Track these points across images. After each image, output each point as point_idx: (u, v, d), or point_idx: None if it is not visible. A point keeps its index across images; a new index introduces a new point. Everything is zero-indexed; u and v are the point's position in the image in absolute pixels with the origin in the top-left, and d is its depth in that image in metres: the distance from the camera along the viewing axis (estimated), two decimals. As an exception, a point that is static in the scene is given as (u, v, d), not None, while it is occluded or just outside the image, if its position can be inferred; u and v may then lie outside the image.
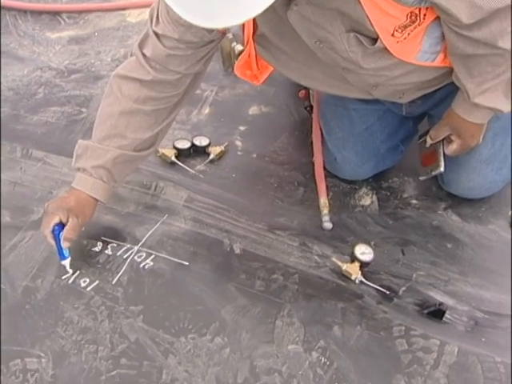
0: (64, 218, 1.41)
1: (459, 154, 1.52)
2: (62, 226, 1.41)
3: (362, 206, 1.70)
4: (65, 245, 1.42)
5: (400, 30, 1.21)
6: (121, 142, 1.44)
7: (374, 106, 1.63)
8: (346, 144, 1.69)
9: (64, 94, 2.12)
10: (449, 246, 1.59)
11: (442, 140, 1.54)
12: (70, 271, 1.47)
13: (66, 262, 1.46)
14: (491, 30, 1.17)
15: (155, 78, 1.39)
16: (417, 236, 1.61)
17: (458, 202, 1.70)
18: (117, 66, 2.10)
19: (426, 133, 1.61)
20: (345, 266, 1.46)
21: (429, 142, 1.57)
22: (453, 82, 1.40)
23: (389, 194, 1.75)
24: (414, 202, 1.72)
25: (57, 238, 1.41)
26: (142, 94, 1.42)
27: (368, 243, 1.56)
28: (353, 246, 1.50)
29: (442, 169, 1.51)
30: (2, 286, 1.47)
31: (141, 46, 1.40)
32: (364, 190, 1.75)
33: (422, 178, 1.61)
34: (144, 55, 1.38)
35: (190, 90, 1.51)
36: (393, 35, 1.21)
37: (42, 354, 1.33)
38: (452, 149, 1.50)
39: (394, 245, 1.59)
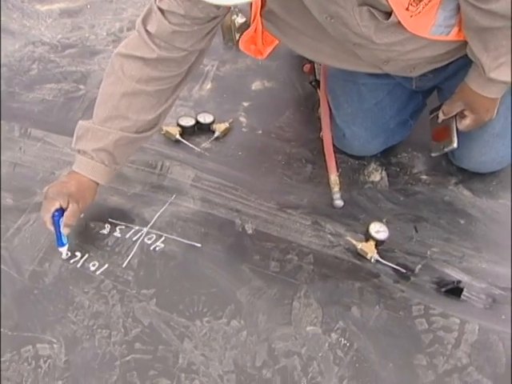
0: (64, 203, 1.38)
1: (472, 130, 1.50)
2: (61, 211, 1.39)
3: (372, 183, 1.69)
4: (65, 231, 1.40)
5: (415, 4, 1.18)
6: (123, 123, 1.41)
7: (383, 80, 1.61)
8: (355, 119, 1.67)
9: (59, 70, 2.07)
10: (461, 221, 1.58)
11: (455, 115, 1.52)
12: (65, 257, 1.47)
13: (64, 249, 1.45)
14: (508, 1, 1.14)
15: (160, 56, 1.36)
16: (429, 212, 1.60)
17: (468, 176, 1.70)
18: (113, 40, 2.09)
19: (438, 108, 1.59)
20: (360, 245, 1.45)
21: (441, 117, 1.55)
22: (465, 56, 1.39)
23: (398, 169, 1.73)
24: (424, 177, 1.71)
25: (56, 224, 1.38)
26: (144, 73, 1.38)
27: (380, 221, 1.54)
28: (367, 225, 1.48)
29: (455, 145, 1.50)
30: (8, 270, 1.43)
31: (144, 22, 1.36)
32: (373, 165, 1.74)
33: (434, 155, 1.60)
34: (148, 32, 1.34)
35: (194, 68, 1.48)
36: (407, 9, 1.19)
37: (54, 340, 1.32)
38: (465, 124, 1.49)
39: (406, 222, 1.58)
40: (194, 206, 1.57)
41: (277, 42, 1.53)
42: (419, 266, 1.45)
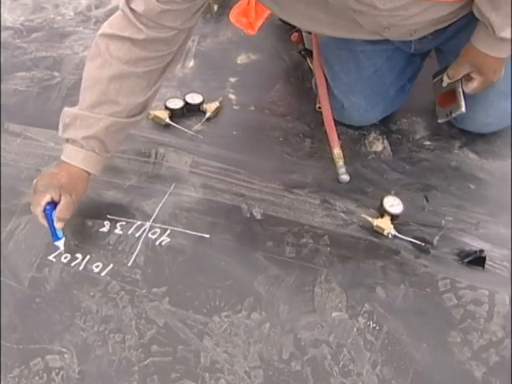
0: (56, 196, 1.32)
1: (480, 92, 1.47)
2: (53, 204, 1.33)
3: (375, 153, 1.65)
4: (58, 225, 1.33)
5: None
6: (113, 108, 1.34)
7: (382, 46, 1.57)
8: (353, 89, 1.63)
9: (29, 56, 1.97)
10: (471, 186, 1.57)
11: (460, 78, 1.48)
12: (63, 250, 1.41)
13: (60, 243, 1.38)
14: None
15: (148, 37, 1.29)
16: (437, 179, 1.58)
17: (472, 138, 1.69)
18: (82, 20, 2.00)
19: (441, 72, 1.55)
20: (376, 222, 1.42)
21: (446, 81, 1.52)
22: (466, 15, 1.34)
23: (400, 136, 1.70)
24: (428, 143, 1.68)
25: (49, 218, 1.32)
26: (133, 54, 1.31)
27: (390, 193, 1.51)
28: (380, 199, 1.45)
29: (463, 109, 1.47)
30: (5, 279, 1.37)
31: (128, 1, 1.28)
32: (373, 135, 1.70)
33: (441, 121, 1.56)
34: (134, 11, 1.27)
35: (183, 46, 1.41)
36: None
37: (64, 350, 1.26)
38: (472, 87, 1.45)
39: (415, 191, 1.55)
40: (196, 194, 1.51)
41: (266, 14, 1.46)
42: (437, 238, 1.43)
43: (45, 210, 1.33)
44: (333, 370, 1.22)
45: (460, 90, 1.47)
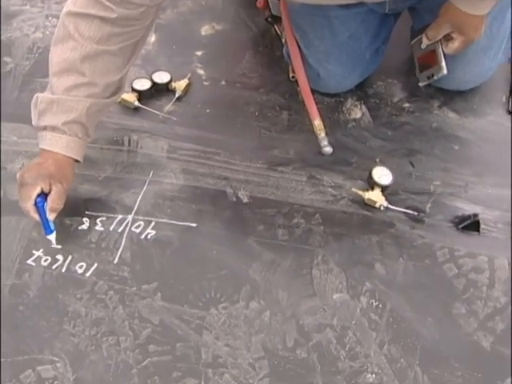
0: (46, 186, 1.28)
1: (460, 51, 1.46)
2: (43, 196, 1.29)
3: (355, 120, 1.64)
4: (51, 217, 1.30)
5: None
6: (90, 90, 1.31)
7: (355, 9, 1.54)
8: (329, 56, 1.60)
9: (-27, 43, 1.86)
10: (455, 147, 1.58)
11: (440, 39, 1.46)
12: (55, 245, 1.37)
13: (53, 237, 1.34)
14: None
15: (119, 15, 1.24)
16: (420, 143, 1.58)
17: (450, 96, 1.69)
18: (28, -3, 1.89)
19: (419, 32, 1.53)
20: (367, 195, 1.41)
21: (425, 42, 1.50)
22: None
23: (378, 101, 1.69)
24: (407, 105, 1.67)
25: (41, 211, 1.28)
26: (104, 32, 1.26)
27: (375, 162, 1.50)
28: (369, 172, 1.44)
29: (444, 71, 1.46)
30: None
31: None
32: (350, 101, 1.69)
33: (422, 84, 1.55)
34: None
35: (155, 19, 1.36)
36: None
37: (56, 359, 1.23)
38: (453, 47, 1.44)
39: (400, 157, 1.55)
40: (177, 181, 1.47)
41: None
42: (429, 205, 1.43)
43: (35, 204, 1.28)
44: (339, 353, 1.22)
45: (440, 50, 1.46)
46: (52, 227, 1.33)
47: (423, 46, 1.51)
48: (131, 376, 1.20)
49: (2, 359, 1.24)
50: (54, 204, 1.29)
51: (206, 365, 1.21)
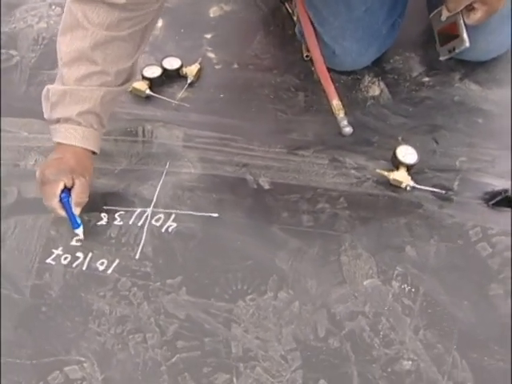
0: (69, 181, 1.27)
1: (483, 22, 1.41)
2: (67, 191, 1.27)
3: (373, 98, 1.60)
4: (77, 211, 1.29)
5: None
6: (103, 78, 1.28)
7: (371, -19, 1.48)
8: (344, 33, 1.56)
9: (-24, 36, 1.83)
10: (479, 120, 1.54)
11: (461, 10, 1.42)
12: (82, 239, 1.36)
13: (80, 231, 1.33)
14: None
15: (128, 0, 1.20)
16: (443, 118, 1.55)
17: (471, 68, 1.65)
18: (31, -14, 1.85)
19: (438, 4, 1.48)
20: (392, 175, 1.38)
21: (445, 14, 1.46)
22: None
23: (396, 76, 1.65)
24: (426, 79, 1.63)
25: (67, 206, 1.26)
26: (114, 17, 1.23)
27: (396, 140, 1.47)
28: (393, 151, 1.40)
29: (467, 44, 1.41)
30: (4, 292, 1.28)
31: None
32: (368, 78, 1.65)
33: (443, 58, 1.50)
34: None
35: (164, 1, 1.32)
36: None
37: (83, 359, 1.21)
38: (476, 18, 1.39)
39: (423, 134, 1.51)
40: (195, 171, 1.45)
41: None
42: (456, 183, 1.39)
43: (60, 199, 1.26)
44: (373, 341, 1.20)
45: (461, 22, 1.41)
46: (79, 221, 1.32)
47: (443, 18, 1.46)
48: (160, 373, 1.19)
49: (27, 361, 1.22)
50: (78, 198, 1.28)
51: (236, 359, 1.19)
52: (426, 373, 1.16)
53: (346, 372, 1.17)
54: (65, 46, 1.29)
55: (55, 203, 1.27)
